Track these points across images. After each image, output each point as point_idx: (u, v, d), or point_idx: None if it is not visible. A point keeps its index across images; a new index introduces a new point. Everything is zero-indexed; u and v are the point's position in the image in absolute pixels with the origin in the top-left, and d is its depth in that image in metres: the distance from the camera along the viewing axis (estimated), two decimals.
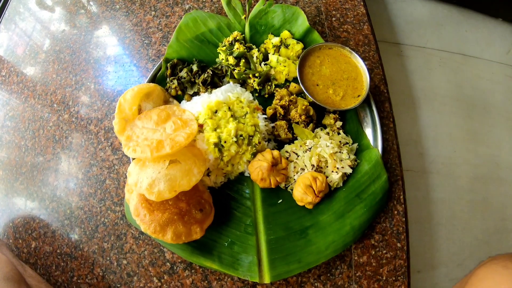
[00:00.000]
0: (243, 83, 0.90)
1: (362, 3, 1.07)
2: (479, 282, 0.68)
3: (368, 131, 0.88)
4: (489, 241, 1.50)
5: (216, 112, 0.79)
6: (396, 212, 0.85)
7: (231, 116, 0.79)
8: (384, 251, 0.83)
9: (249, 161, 0.80)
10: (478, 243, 1.50)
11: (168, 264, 0.81)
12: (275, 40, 0.92)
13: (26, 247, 0.87)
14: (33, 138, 0.95)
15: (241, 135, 0.77)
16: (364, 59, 0.88)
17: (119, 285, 0.81)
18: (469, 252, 1.50)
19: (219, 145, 0.76)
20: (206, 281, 0.80)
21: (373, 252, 0.83)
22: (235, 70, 0.88)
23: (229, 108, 0.79)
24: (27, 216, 0.89)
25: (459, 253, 1.50)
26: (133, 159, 0.78)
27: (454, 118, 1.62)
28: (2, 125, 0.98)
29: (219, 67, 0.90)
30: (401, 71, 1.65)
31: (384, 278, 0.81)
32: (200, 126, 0.78)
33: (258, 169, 0.77)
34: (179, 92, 0.89)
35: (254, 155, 0.80)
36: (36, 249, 0.86)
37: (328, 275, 0.81)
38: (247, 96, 0.84)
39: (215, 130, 0.77)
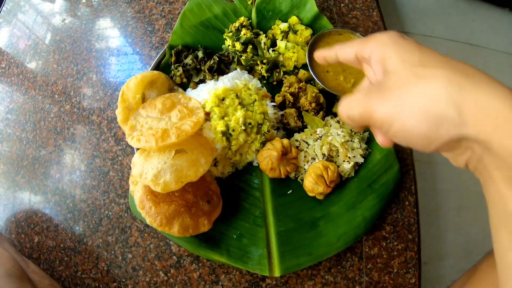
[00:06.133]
0: (251, 70, 0.87)
1: None
2: (491, 268, 0.67)
3: None
4: None
5: (223, 99, 0.76)
6: (407, 203, 0.83)
7: (239, 103, 0.75)
8: (395, 243, 0.81)
9: (258, 150, 0.78)
10: (486, 235, 1.48)
11: (174, 257, 0.79)
12: (283, 25, 0.89)
13: (29, 241, 0.85)
14: (34, 130, 0.93)
15: (249, 123, 0.75)
16: None
17: (124, 280, 0.79)
18: (476, 244, 1.49)
19: (227, 134, 0.73)
20: (213, 275, 0.78)
21: (384, 244, 0.81)
22: (242, 57, 0.85)
23: (236, 95, 0.76)
24: (29, 210, 0.87)
25: (466, 245, 1.49)
26: (137, 149, 0.75)
27: None
28: (3, 118, 0.96)
29: (226, 53, 0.87)
30: None
31: (395, 270, 0.79)
32: (207, 115, 0.75)
33: (267, 158, 0.74)
34: (184, 80, 0.86)
35: (263, 144, 0.77)
36: (39, 244, 0.84)
37: (339, 267, 0.79)
38: (255, 83, 0.81)
39: (222, 118, 0.74)
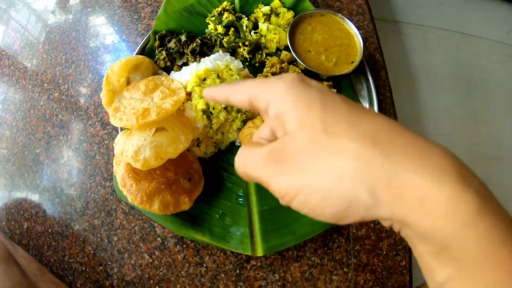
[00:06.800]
0: (233, 53, 0.88)
1: None
2: None
3: (365, 104, 0.85)
4: None
5: (204, 79, 0.76)
6: None
7: (220, 83, 0.76)
8: None
9: (239, 129, 0.78)
10: None
11: (159, 239, 0.79)
12: (265, 8, 0.89)
13: (19, 228, 0.85)
14: (24, 119, 0.94)
15: None
16: (358, 28, 0.86)
17: (110, 263, 0.79)
18: None
19: (207, 112, 0.74)
20: (198, 256, 0.77)
21: (372, 225, 0.80)
22: (224, 39, 0.86)
23: (218, 75, 0.77)
24: (19, 196, 0.88)
25: None
26: (121, 130, 0.76)
27: (454, 97, 1.59)
28: None
29: (208, 36, 0.88)
30: (399, 50, 1.62)
31: (384, 252, 0.78)
32: (189, 95, 0.76)
33: (248, 136, 0.74)
34: (168, 64, 0.87)
35: (244, 122, 0.78)
36: (28, 230, 0.85)
37: (325, 248, 0.78)
38: (236, 64, 0.81)
39: (203, 97, 0.75)
